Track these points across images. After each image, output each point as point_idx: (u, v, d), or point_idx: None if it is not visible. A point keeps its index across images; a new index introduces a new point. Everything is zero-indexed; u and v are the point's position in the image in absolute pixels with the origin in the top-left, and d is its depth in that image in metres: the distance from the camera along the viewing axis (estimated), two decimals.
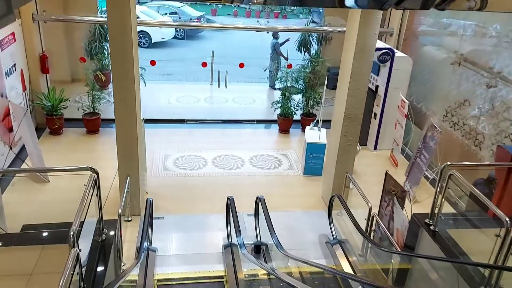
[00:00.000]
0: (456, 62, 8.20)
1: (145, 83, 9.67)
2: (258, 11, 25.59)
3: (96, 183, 4.09)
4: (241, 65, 10.69)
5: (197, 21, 19.03)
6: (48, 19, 9.25)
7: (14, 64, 8.26)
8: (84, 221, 3.66)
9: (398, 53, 9.15)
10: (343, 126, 6.81)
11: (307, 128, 8.66)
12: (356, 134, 6.93)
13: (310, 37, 12.36)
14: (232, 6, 26.70)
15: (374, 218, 6.03)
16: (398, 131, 8.90)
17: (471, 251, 4.42)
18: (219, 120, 10.52)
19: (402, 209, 5.39)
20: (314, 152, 8.18)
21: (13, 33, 8.19)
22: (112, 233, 4.61)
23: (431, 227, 4.68)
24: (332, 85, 9.46)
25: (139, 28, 16.53)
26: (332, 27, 10.65)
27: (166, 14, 18.87)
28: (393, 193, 5.75)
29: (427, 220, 4.76)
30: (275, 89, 12.52)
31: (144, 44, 16.71)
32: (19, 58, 8.53)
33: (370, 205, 5.95)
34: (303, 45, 12.31)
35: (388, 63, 8.92)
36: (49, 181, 7.49)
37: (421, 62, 9.41)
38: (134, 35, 5.90)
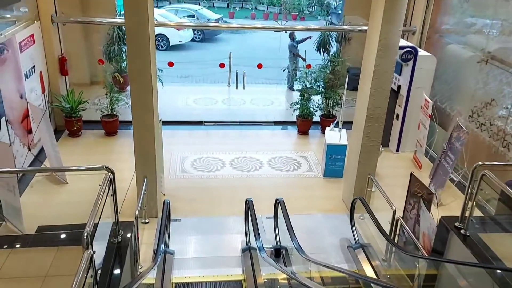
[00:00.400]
0: (483, 60, 7.90)
1: (162, 84, 9.63)
2: (276, 14, 25.46)
3: (112, 183, 3.98)
4: (259, 66, 10.54)
5: (214, 29, 18.96)
6: (67, 21, 9.27)
7: (33, 66, 8.29)
8: (98, 223, 3.55)
9: (421, 52, 8.88)
10: (366, 126, 6.59)
11: (327, 129, 8.46)
12: (379, 135, 6.70)
13: (330, 38, 12.15)
14: (250, 9, 26.67)
15: (399, 221, 5.79)
16: (422, 132, 8.62)
17: (506, 257, 4.16)
18: (237, 122, 10.39)
19: (429, 212, 5.15)
20: (334, 153, 7.97)
21: (32, 35, 8.22)
22: (128, 235, 4.50)
23: (462, 231, 4.43)
24: (352, 86, 9.26)
25: (157, 31, 16.59)
26: (353, 25, 10.41)
27: (184, 17, 18.89)
28: (418, 195, 5.51)
29: (457, 224, 4.51)
30: (293, 90, 12.35)
31: (162, 47, 16.74)
32: (38, 60, 8.56)
33: (394, 208, 5.72)
34: (322, 46, 12.10)
35: (411, 62, 8.66)
36: (67, 182, 7.46)
37: (445, 61, 9.11)
38: (151, 35, 5.82)
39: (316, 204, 7.36)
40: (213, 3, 26.35)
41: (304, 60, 11.87)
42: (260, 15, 26.00)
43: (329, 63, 9.92)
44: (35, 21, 8.47)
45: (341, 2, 23.09)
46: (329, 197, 7.59)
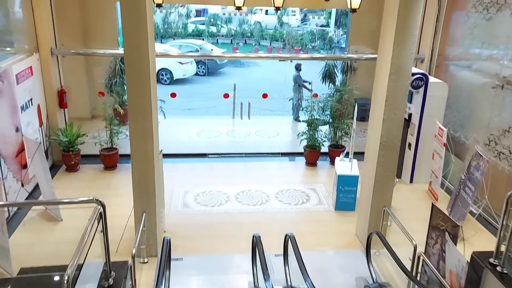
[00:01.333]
0: (499, 86, 7.56)
1: (164, 115, 9.32)
2: (279, 48, 25.55)
3: (102, 217, 3.55)
4: (265, 96, 10.29)
5: (218, 59, 18.94)
6: (66, 53, 9.09)
7: (31, 99, 8.02)
8: (83, 263, 3.10)
9: (432, 79, 8.57)
10: (379, 155, 6.17)
11: (337, 159, 8.04)
12: (393, 164, 6.27)
13: (335, 68, 11.94)
14: (253, 44, 26.85)
15: (420, 257, 5.26)
16: (437, 162, 8.18)
17: None
18: (242, 154, 10.00)
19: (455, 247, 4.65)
20: (346, 185, 7.51)
21: (30, 67, 8.00)
22: (122, 277, 4.02)
23: (498, 268, 3.93)
24: (360, 117, 8.98)
25: (161, 65, 16.55)
26: (359, 54, 10.19)
27: (188, 51, 18.87)
28: (442, 228, 5.02)
29: (491, 260, 4.01)
30: (299, 121, 12.01)
31: (165, 81, 16.63)
32: (37, 92, 8.29)
33: (415, 243, 5.22)
34: (328, 76, 11.88)
35: (421, 90, 8.34)
36: (61, 219, 7.02)
37: (456, 88, 8.79)
38: (151, 65, 5.53)
39: (327, 240, 6.84)
40: (217, 39, 26.54)
41: (310, 90, 11.59)
42: (263, 49, 26.06)
43: (336, 92, 9.61)
44: (34, 53, 8.27)
45: (343, 36, 23.18)
46: (341, 232, 7.08)
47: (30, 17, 8.17)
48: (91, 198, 3.56)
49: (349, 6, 7.52)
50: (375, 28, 11.28)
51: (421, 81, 8.25)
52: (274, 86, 15.21)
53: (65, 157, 8.75)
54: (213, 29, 26.51)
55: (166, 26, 25.42)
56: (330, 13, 29.38)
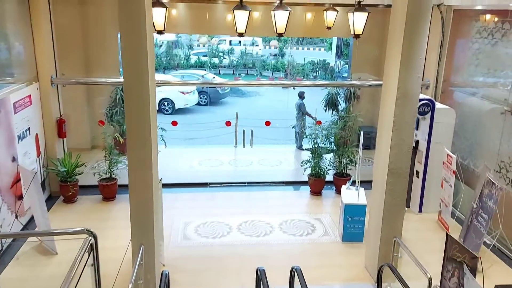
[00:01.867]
0: (508, 111, 7.37)
1: (165, 144, 9.13)
2: (281, 78, 25.65)
3: (93, 249, 3.29)
4: (267, 123, 10.12)
5: (220, 88, 18.94)
6: (67, 82, 8.98)
7: (29, 128, 7.85)
8: None
9: (439, 105, 8.39)
10: (388, 182, 5.91)
11: (343, 188, 7.77)
12: (403, 192, 6.00)
13: (337, 96, 11.83)
14: (255, 75, 26.99)
15: None
16: (446, 190, 7.90)
17: None
18: (244, 183, 9.74)
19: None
20: (353, 215, 7.21)
21: (29, 96, 7.87)
22: None
23: None
24: (364, 145, 8.79)
25: (163, 95, 16.51)
26: (362, 81, 10.07)
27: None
28: (458, 260, 4.71)
29: None
30: (303, 149, 11.78)
31: (167, 111, 16.55)
32: (35, 122, 8.14)
33: (429, 275, 4.89)
34: (330, 104, 11.74)
35: (428, 116, 8.15)
36: (56, 253, 6.71)
37: (463, 114, 8.60)
38: (151, 91, 5.36)
39: (335, 273, 6.50)
40: (219, 70, 26.70)
41: (314, 118, 11.38)
42: (265, 78, 26.19)
43: (339, 119, 9.43)
44: (34, 82, 8.16)
45: (344, 66, 23.27)
46: (349, 264, 6.73)
47: (30, 46, 8.11)
48: (82, 228, 3.30)
49: (352, 32, 7.47)
50: (378, 56, 11.34)
51: (427, 107, 8.07)
52: (277, 114, 15.08)
53: (62, 188, 8.50)
54: (215, 60, 26.73)
55: (168, 58, 25.67)
56: (330, 44, 29.70)
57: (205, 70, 25.06)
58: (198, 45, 27.72)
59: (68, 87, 9.39)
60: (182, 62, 25.58)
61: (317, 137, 9.11)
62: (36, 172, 6.79)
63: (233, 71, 27.02)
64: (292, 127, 11.70)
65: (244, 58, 27.40)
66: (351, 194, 7.48)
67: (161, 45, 25.20)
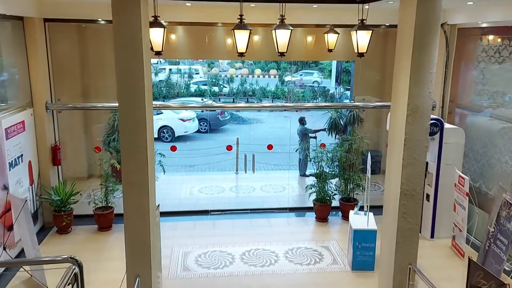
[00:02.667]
0: None
1: (164, 170, 8.79)
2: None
3: (77, 279, 2.91)
4: (270, 147, 9.81)
5: (221, 115, 18.72)
6: (62, 107, 8.71)
7: (21, 155, 7.53)
8: None
9: (447, 125, 8.10)
10: (400, 205, 5.53)
11: (351, 213, 7.38)
12: (417, 215, 5.61)
13: (340, 120, 11.57)
14: (255, 102, 26.89)
15: None
16: (460, 214, 7.50)
17: None
18: (247, 210, 9.34)
19: None
20: (363, 241, 6.80)
21: (22, 122, 7.59)
22: None
23: None
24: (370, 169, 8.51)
25: (162, 123, 16.28)
26: (365, 103, 9.82)
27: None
28: None
29: None
30: (306, 176, 11.41)
31: (167, 138, 16.27)
32: (28, 148, 7.82)
33: None
34: (333, 128, 11.47)
35: (437, 136, 7.84)
36: (46, 286, 6.26)
37: (472, 135, 8.31)
38: (148, 115, 5.06)
39: None
40: (219, 98, 26.63)
41: (315, 137, 11.04)
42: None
43: (345, 142, 9.10)
44: (28, 108, 7.90)
45: (345, 93, 23.16)
46: None
47: (25, 72, 7.90)
48: (66, 256, 2.94)
49: (356, 51, 7.25)
50: (380, 79, 11.13)
51: (436, 127, 7.77)
52: (279, 140, 14.85)
53: (56, 217, 8.11)
54: (215, 88, 26.69)
55: (168, 87, 25.64)
56: (330, 71, 29.75)
57: (205, 98, 25.04)
58: (197, 73, 27.79)
59: (64, 114, 9.13)
60: (182, 90, 25.54)
61: (322, 161, 8.76)
62: (26, 200, 6.41)
63: (233, 99, 26.94)
64: (296, 150, 11.35)
65: (244, 86, 27.41)
66: (360, 219, 7.09)
67: (156, 73, 25.28)
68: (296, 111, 11.68)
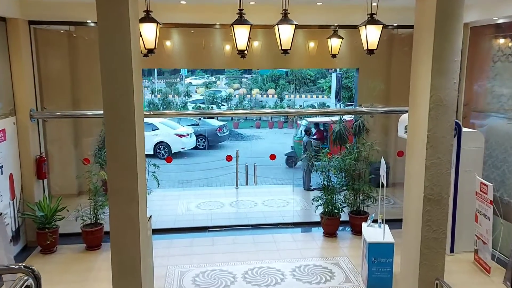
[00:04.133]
0: None
1: (158, 183, 8.12)
2: (281, 122, 25.01)
3: None
4: (272, 157, 9.19)
5: (219, 131, 18.15)
6: (48, 116, 8.10)
7: (1, 166, 6.88)
8: None
9: (465, 129, 7.50)
10: (424, 212, 4.88)
11: (364, 225, 6.70)
12: (443, 223, 4.95)
13: (345, 130, 10.98)
14: (254, 119, 26.45)
15: None
16: (483, 224, 6.82)
17: None
18: (249, 226, 8.64)
19: None
20: (379, 256, 6.10)
21: (3, 130, 6.96)
22: None
23: None
24: (376, 182, 7.94)
25: (158, 139, 15.67)
26: (372, 108, 9.24)
27: (188, 125, 18.16)
28: None
29: None
30: (311, 190, 10.69)
31: (163, 155, 15.61)
32: (9, 160, 7.17)
33: None
34: (339, 139, 10.87)
35: (454, 141, 7.21)
36: None
37: (490, 140, 7.71)
38: (138, 111, 4.46)
39: None
40: (217, 117, 26.16)
41: (319, 148, 10.27)
42: (265, 124, 25.59)
43: (353, 149, 8.47)
44: (10, 116, 7.29)
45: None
46: None
47: (7, 79, 7.31)
48: (20, 265, 2.32)
49: (365, 48, 6.70)
50: (385, 86, 10.58)
51: (453, 131, 7.15)
52: (280, 154, 14.31)
53: (40, 236, 7.39)
54: (214, 107, 26.25)
55: (165, 106, 25.18)
56: (330, 87, 29.36)
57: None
58: (195, 92, 27.47)
59: (52, 124, 8.50)
60: (179, 109, 25.06)
61: (329, 170, 8.12)
62: (1, 214, 5.72)
63: (231, 117, 26.51)
64: (301, 160, 10.68)
65: (243, 104, 27.00)
66: (375, 232, 6.41)
67: (145, 87, 24.86)
68: (301, 118, 11.08)
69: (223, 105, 27.02)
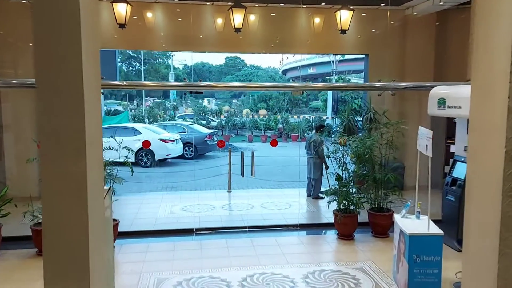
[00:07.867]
0: None
1: (132, 171, 6.49)
2: (275, 135, 23.63)
3: None
4: (274, 143, 7.82)
5: (209, 138, 16.62)
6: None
7: None
8: None
9: None
10: (506, 175, 3.38)
11: (397, 216, 5.15)
12: None
13: (355, 122, 9.64)
14: (246, 135, 25.14)
15: None
16: None
17: None
18: (245, 228, 7.06)
19: None
20: (423, 252, 4.55)
21: None
22: None
23: None
24: (392, 185, 6.69)
25: (140, 145, 14.07)
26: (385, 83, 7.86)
27: (175, 133, 16.66)
28: None
29: None
30: (320, 198, 8.75)
31: (145, 163, 13.98)
32: None
33: None
34: (347, 130, 9.48)
35: None
36: None
37: None
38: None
39: None
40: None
41: (327, 167, 8.38)
42: (257, 139, 24.19)
43: (374, 130, 7.02)
44: None
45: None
46: None
47: None
48: None
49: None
50: (397, 78, 9.27)
51: None
52: (278, 163, 12.92)
53: None
54: (203, 122, 24.91)
55: (151, 119, 23.75)
56: (325, 100, 28.14)
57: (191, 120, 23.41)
58: (183, 105, 26.20)
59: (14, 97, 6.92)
60: (166, 120, 23.69)
61: (346, 154, 6.60)
62: None
63: (222, 132, 25.13)
64: (310, 155, 8.86)
65: (234, 118, 25.74)
66: (413, 224, 4.88)
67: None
68: (302, 93, 9.65)
69: (213, 121, 25.74)
